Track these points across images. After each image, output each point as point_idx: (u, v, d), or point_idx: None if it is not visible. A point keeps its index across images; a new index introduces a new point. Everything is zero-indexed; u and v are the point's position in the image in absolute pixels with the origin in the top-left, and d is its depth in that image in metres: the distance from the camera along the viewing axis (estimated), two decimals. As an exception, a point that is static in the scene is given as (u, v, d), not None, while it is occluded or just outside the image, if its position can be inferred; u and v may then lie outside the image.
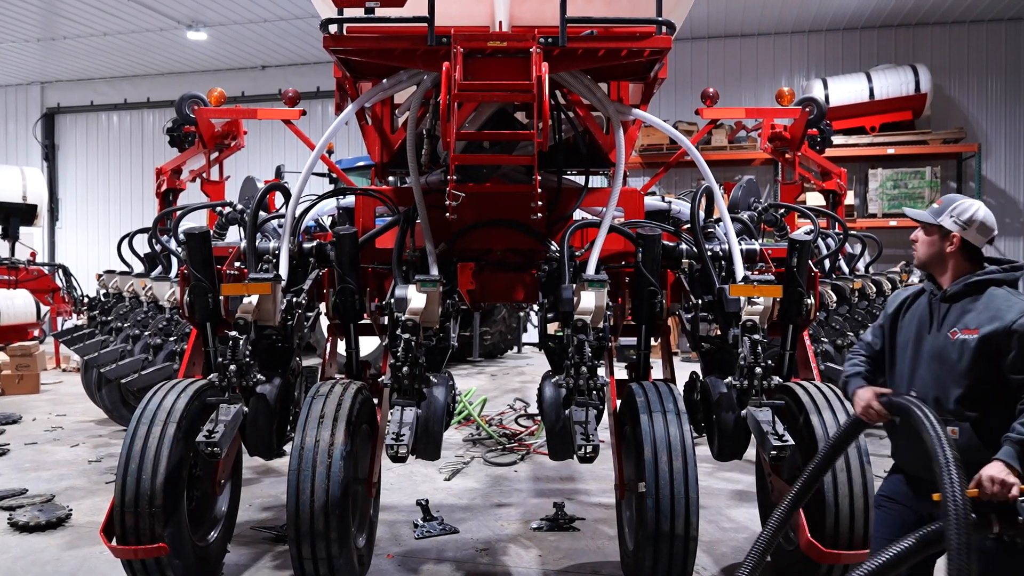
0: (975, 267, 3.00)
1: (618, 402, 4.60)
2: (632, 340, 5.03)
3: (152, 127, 20.14)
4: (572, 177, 5.61)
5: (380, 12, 4.20)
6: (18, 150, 20.88)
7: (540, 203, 4.46)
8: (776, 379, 4.40)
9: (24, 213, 15.27)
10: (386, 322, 4.50)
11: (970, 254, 3.01)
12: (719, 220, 5.03)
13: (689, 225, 5.05)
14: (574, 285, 4.41)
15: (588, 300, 4.29)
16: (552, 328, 4.75)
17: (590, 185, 5.16)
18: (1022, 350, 2.76)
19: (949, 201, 3.07)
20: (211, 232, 4.79)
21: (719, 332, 4.68)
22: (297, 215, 4.87)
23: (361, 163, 11.45)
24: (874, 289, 8.36)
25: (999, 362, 2.81)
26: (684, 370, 5.08)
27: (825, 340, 7.37)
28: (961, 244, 3.01)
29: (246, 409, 4.30)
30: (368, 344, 9.84)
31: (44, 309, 14.37)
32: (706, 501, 5.84)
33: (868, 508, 3.86)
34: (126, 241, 8.38)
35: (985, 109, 15.96)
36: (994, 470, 2.61)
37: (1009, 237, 15.64)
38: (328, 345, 5.35)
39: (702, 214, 5.05)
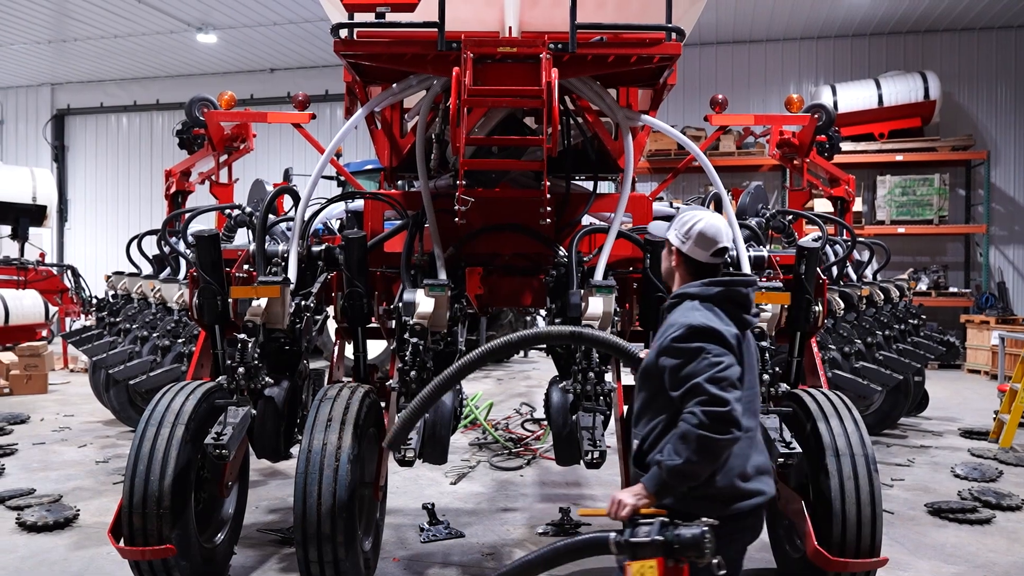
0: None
1: (625, 408, 4.60)
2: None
3: (161, 129, 20.24)
4: (581, 182, 5.61)
5: (391, 17, 4.21)
6: (28, 151, 21.00)
7: (549, 208, 4.47)
8: (783, 386, 4.39)
9: (34, 214, 15.34)
10: (394, 326, 4.51)
11: (695, 268, 2.85)
12: (727, 226, 5.02)
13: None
14: (582, 291, 4.42)
15: (596, 306, 4.30)
16: (560, 333, 4.75)
17: (598, 191, 5.17)
18: (669, 365, 2.63)
19: (680, 213, 2.96)
20: (220, 235, 4.81)
21: (726, 338, 4.66)
22: (306, 218, 4.89)
23: (369, 166, 11.47)
24: (882, 296, 8.34)
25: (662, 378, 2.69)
26: (691, 376, 5.07)
27: (833, 347, 7.35)
28: (682, 258, 2.87)
29: (254, 412, 4.31)
30: (375, 347, 9.86)
31: (53, 310, 14.45)
32: (712, 508, 5.83)
33: (876, 516, 3.86)
34: (135, 242, 8.42)
35: (994, 116, 15.91)
36: (623, 492, 2.59)
37: (1018, 245, 15.58)
38: (336, 348, 5.36)
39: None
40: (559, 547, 2.64)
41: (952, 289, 15.32)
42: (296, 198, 5.13)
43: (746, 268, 4.62)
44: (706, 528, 2.38)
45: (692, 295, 2.78)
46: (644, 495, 2.55)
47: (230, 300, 4.56)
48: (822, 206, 11.98)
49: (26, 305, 13.65)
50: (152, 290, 7.96)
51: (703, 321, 2.65)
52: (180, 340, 7.48)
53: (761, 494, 2.73)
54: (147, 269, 8.55)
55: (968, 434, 8.66)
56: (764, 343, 4.32)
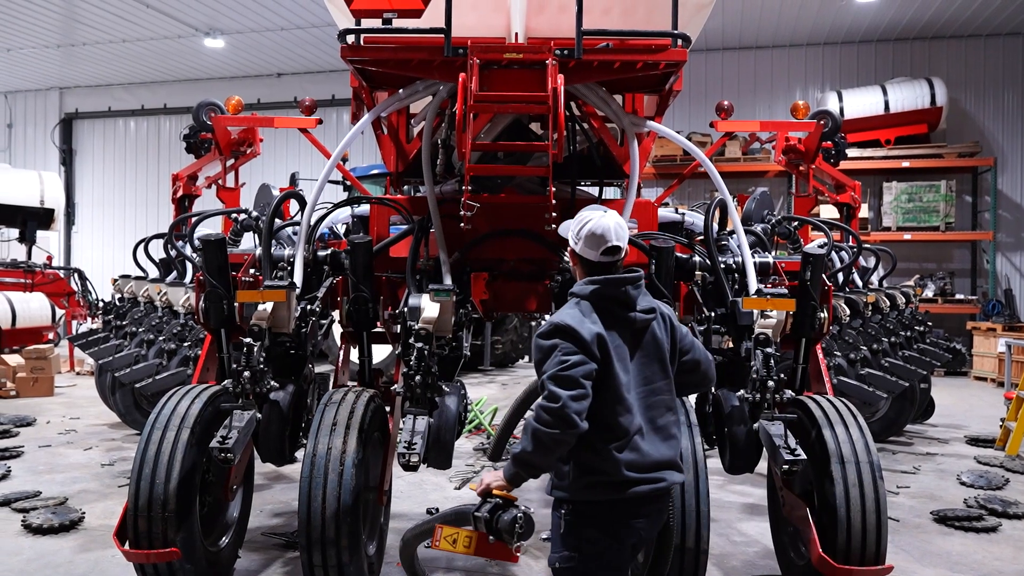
0: None
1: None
2: None
3: (169, 133, 20.31)
4: (586, 188, 5.62)
5: (397, 23, 4.23)
6: (36, 154, 21.11)
7: (554, 214, 4.48)
8: (788, 393, 4.38)
9: (41, 217, 15.43)
10: (399, 331, 4.52)
11: (588, 268, 2.89)
12: (732, 232, 5.03)
13: (702, 237, 5.05)
14: (587, 296, 4.40)
15: (601, 311, 4.29)
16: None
17: (604, 196, 5.17)
18: (535, 360, 2.80)
19: (579, 214, 2.96)
20: (226, 239, 4.83)
21: (732, 345, 4.67)
22: (312, 223, 4.90)
23: (375, 171, 11.50)
24: (888, 303, 8.32)
25: None
26: (696, 382, 5.06)
27: (838, 354, 7.34)
28: (577, 258, 2.92)
29: (259, 416, 4.32)
30: (381, 352, 9.87)
31: (59, 312, 14.51)
32: (717, 514, 5.82)
33: (881, 523, 3.84)
34: (142, 246, 8.45)
35: (1001, 123, 15.88)
36: (490, 473, 2.88)
37: (1025, 252, 15.56)
38: (341, 353, 5.37)
39: (715, 226, 5.05)
40: (446, 514, 3.14)
41: (958, 296, 15.27)
42: (302, 203, 5.14)
43: (751, 274, 4.61)
44: (520, 515, 2.69)
45: (574, 294, 2.88)
46: (500, 479, 2.82)
47: (236, 304, 4.57)
48: (828, 212, 11.95)
49: (33, 308, 13.72)
50: (158, 293, 7.98)
51: (563, 319, 2.75)
52: (186, 344, 7.50)
53: (661, 481, 2.82)
54: (153, 273, 8.57)
55: (974, 441, 8.64)
56: (769, 349, 4.32)
